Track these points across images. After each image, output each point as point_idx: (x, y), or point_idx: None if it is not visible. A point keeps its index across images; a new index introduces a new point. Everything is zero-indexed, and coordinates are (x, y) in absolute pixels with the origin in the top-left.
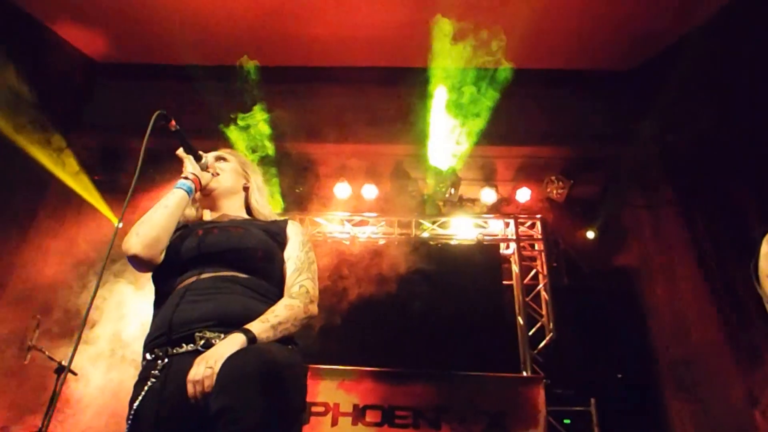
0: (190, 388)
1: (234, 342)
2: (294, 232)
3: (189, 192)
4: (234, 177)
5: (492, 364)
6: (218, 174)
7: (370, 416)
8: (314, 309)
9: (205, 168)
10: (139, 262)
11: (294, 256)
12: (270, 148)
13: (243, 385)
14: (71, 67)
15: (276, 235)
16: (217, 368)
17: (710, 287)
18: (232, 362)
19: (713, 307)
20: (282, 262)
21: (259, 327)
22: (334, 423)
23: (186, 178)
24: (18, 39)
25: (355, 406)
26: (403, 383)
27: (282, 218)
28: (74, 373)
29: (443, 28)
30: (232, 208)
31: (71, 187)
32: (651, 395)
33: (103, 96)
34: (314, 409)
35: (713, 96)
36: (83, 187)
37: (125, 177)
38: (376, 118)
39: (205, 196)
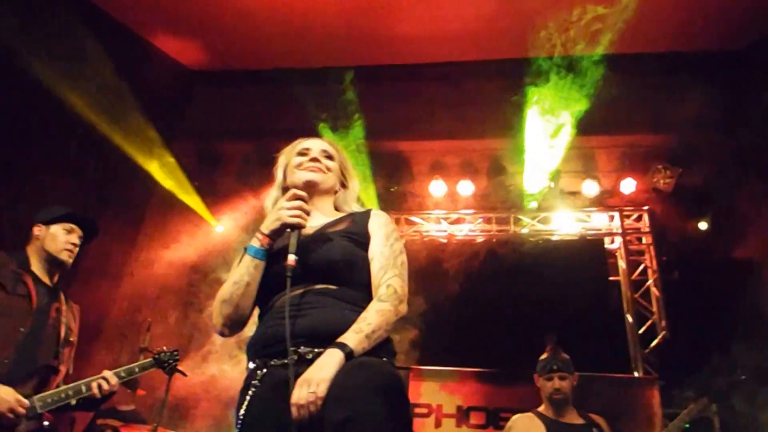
0: (294, 411)
1: (332, 360)
2: (376, 225)
3: (256, 255)
4: (334, 179)
5: (600, 365)
6: (325, 171)
7: (474, 418)
8: (404, 309)
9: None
10: (229, 335)
11: (378, 252)
12: (364, 149)
13: (371, 397)
14: (169, 77)
15: (357, 235)
16: (320, 392)
17: None
18: (351, 377)
19: None
20: (368, 264)
21: (354, 339)
22: (438, 425)
23: (257, 236)
24: (119, 51)
25: (458, 408)
26: (507, 384)
27: (364, 210)
28: (184, 374)
29: (536, 17)
30: (325, 209)
31: (173, 192)
32: None
33: (199, 103)
34: (417, 410)
35: None
36: (184, 191)
37: (222, 181)
38: (470, 113)
39: (306, 189)
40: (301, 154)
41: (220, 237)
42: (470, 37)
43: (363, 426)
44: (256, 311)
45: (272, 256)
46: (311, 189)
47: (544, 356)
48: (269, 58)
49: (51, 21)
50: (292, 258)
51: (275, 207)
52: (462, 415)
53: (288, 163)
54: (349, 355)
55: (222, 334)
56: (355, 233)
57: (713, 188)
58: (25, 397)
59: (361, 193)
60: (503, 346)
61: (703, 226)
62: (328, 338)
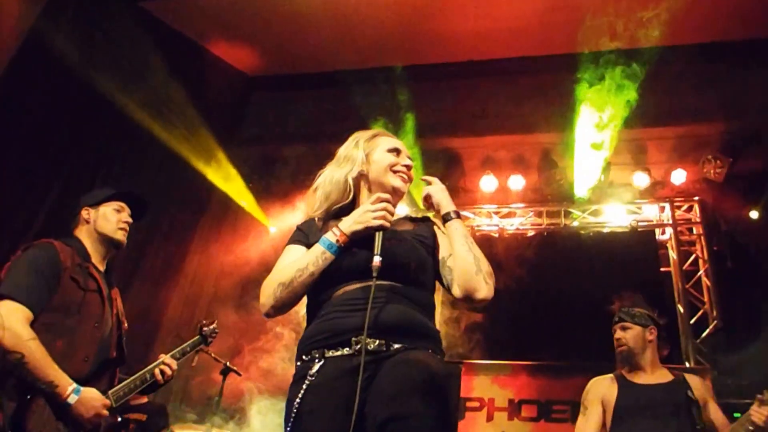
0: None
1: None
2: (441, 233)
3: (329, 249)
4: None
5: None
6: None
7: (526, 411)
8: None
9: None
10: (273, 316)
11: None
12: (417, 146)
13: (412, 396)
14: (227, 83)
15: (426, 239)
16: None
17: None
18: (400, 373)
19: None
20: (432, 267)
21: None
22: (490, 418)
23: (334, 232)
24: (178, 59)
25: (510, 401)
26: (559, 377)
27: (422, 216)
28: (238, 374)
29: (586, 11)
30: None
31: (229, 195)
32: None
33: (257, 107)
34: (469, 404)
35: None
36: (240, 194)
37: (277, 184)
38: (522, 108)
39: (391, 192)
40: (392, 151)
41: (274, 238)
42: (522, 33)
43: (407, 426)
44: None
45: (342, 249)
46: (394, 194)
47: None
48: (323, 61)
49: (113, 32)
50: (377, 260)
51: (360, 209)
52: (514, 408)
53: (371, 152)
54: (454, 213)
55: (267, 315)
56: (425, 237)
57: (765, 177)
58: (102, 393)
59: (412, 189)
60: (555, 339)
61: (754, 215)
62: (393, 331)
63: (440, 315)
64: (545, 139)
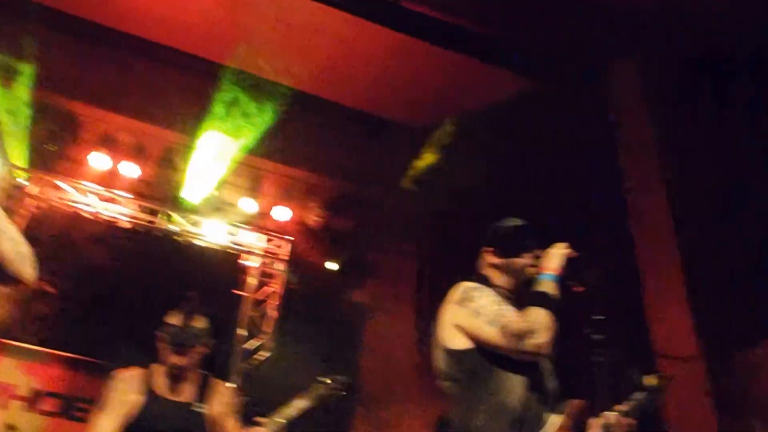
0: None
1: None
2: None
3: None
4: None
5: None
6: None
7: (47, 404)
8: None
9: None
10: None
11: None
12: (29, 95)
13: None
14: None
15: None
16: None
17: (418, 343)
18: None
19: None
20: None
21: None
22: (3, 406)
23: None
24: None
25: (33, 391)
26: (93, 374)
27: None
28: None
29: (250, 32)
30: None
31: None
32: None
33: None
34: None
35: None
36: None
37: None
38: (156, 98)
39: None
40: None
41: None
42: (185, 28)
43: None
44: None
45: None
46: None
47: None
48: None
49: None
50: None
51: None
52: (35, 399)
53: None
54: None
55: None
56: None
57: (353, 237)
58: None
59: (12, 144)
60: (104, 336)
61: (334, 266)
62: None
63: None
64: (171, 138)
